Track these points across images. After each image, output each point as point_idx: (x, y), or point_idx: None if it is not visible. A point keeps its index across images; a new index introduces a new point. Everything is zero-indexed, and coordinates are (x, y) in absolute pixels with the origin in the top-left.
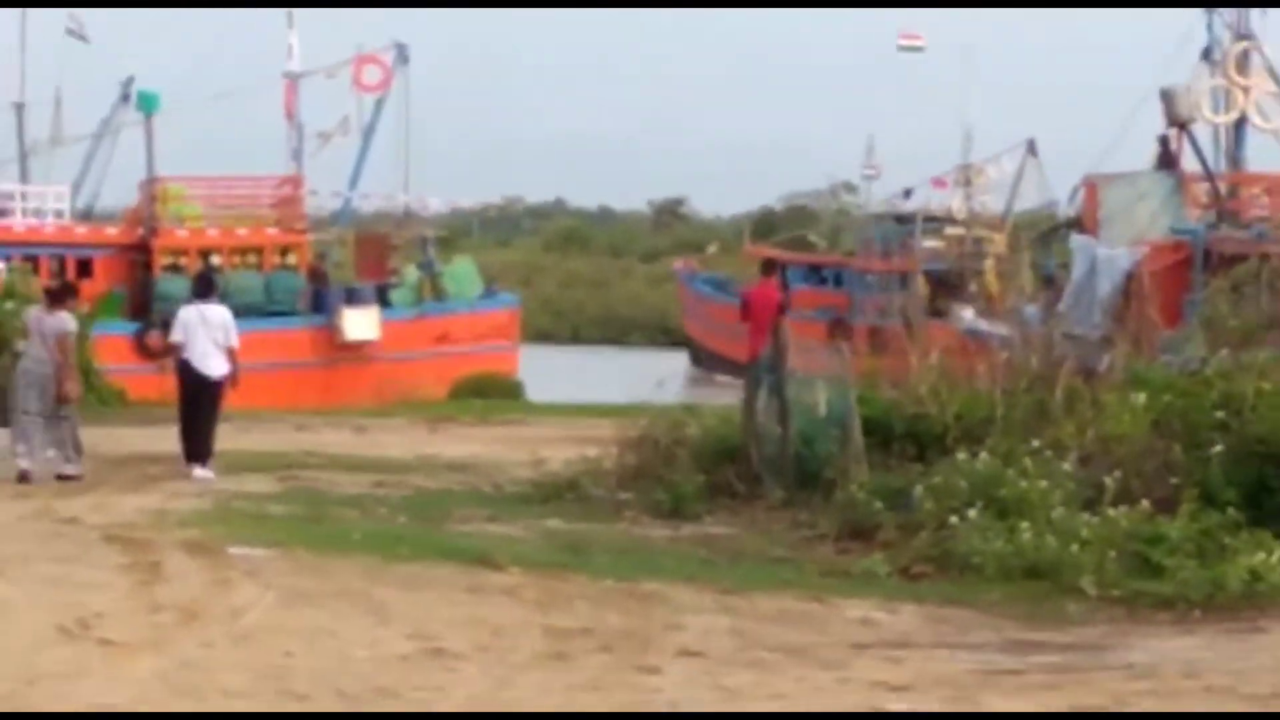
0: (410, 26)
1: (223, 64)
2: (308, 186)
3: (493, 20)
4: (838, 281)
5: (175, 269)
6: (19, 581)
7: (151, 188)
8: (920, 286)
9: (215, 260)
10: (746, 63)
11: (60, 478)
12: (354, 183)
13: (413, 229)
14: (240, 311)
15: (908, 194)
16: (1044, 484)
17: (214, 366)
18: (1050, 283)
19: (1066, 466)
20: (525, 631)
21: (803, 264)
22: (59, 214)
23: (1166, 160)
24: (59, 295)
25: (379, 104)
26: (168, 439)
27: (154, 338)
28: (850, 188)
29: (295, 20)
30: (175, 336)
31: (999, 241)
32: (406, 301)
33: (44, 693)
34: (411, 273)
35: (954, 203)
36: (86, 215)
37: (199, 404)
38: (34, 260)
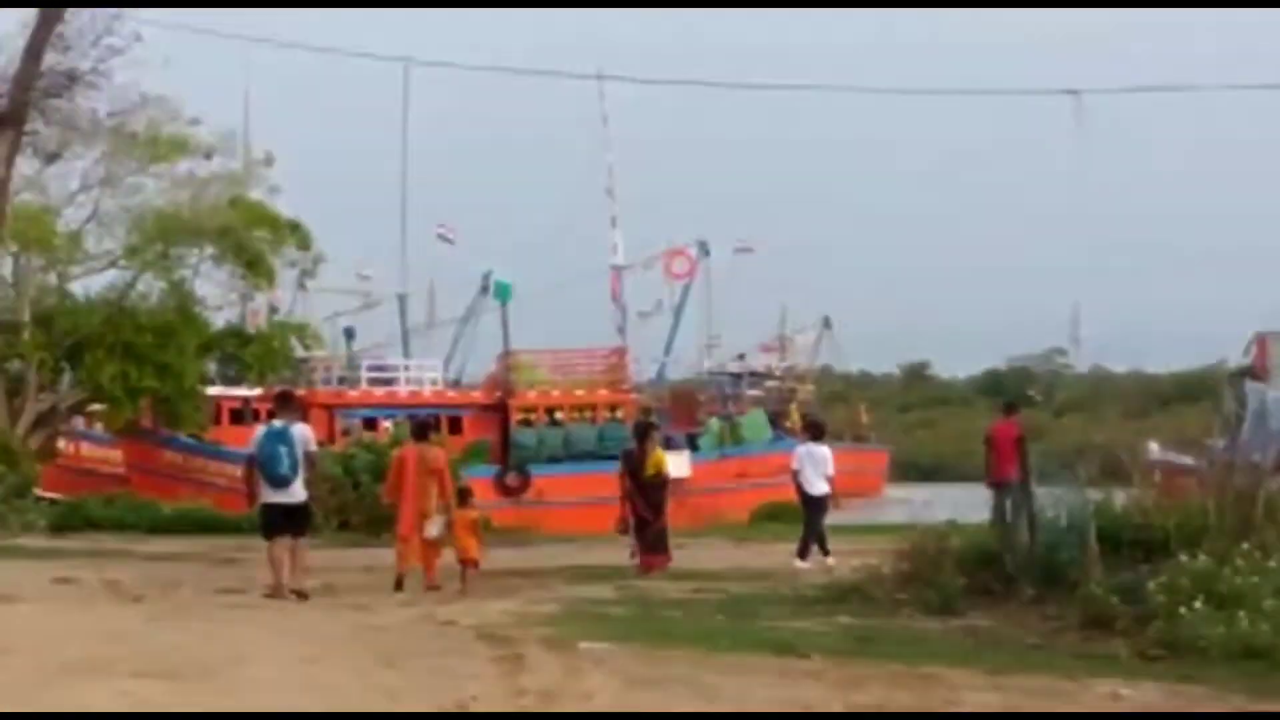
0: (712, 226)
1: (560, 258)
2: (631, 355)
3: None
4: None
5: (527, 423)
6: (408, 673)
7: (507, 359)
8: None
9: (559, 416)
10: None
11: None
12: (668, 351)
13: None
14: (579, 457)
15: (741, 356)
16: (1255, 579)
17: (817, 488)
18: (1233, 422)
19: (1272, 564)
20: (831, 708)
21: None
22: (434, 381)
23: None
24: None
25: (686, 289)
26: (526, 557)
27: (512, 479)
28: (1061, 352)
29: (619, 222)
30: (793, 465)
31: (804, 390)
32: (711, 446)
33: None
34: (714, 423)
35: (771, 362)
36: (456, 382)
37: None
38: (416, 419)
